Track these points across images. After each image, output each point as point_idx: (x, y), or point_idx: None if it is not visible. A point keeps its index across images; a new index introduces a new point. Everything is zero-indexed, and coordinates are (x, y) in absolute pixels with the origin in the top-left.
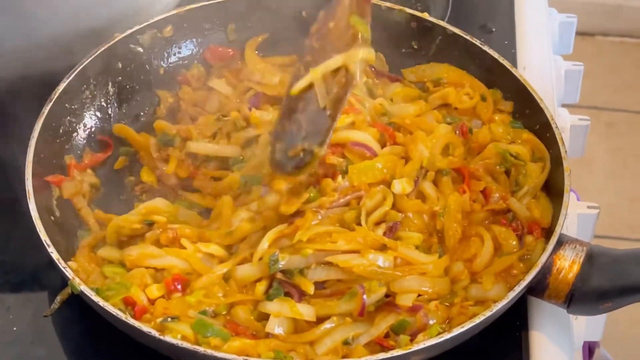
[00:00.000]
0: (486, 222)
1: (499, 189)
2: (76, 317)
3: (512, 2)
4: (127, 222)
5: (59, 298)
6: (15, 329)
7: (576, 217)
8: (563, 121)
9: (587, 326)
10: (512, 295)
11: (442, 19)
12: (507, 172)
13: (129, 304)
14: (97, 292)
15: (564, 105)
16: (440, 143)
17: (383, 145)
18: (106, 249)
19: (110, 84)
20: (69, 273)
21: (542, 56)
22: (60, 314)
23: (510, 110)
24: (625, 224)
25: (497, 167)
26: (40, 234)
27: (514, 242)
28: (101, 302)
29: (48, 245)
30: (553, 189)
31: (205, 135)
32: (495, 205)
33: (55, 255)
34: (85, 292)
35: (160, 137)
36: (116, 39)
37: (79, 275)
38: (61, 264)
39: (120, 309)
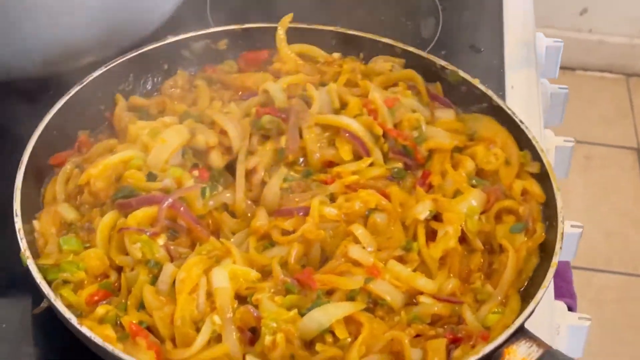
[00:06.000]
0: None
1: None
2: None
3: (501, 23)
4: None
5: None
6: (4, 326)
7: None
8: (548, 143)
9: None
10: None
11: (432, 39)
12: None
13: None
14: (45, 271)
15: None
16: (476, 212)
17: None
18: (64, 207)
19: (150, 81)
20: (22, 245)
21: (530, 77)
22: (49, 311)
23: (537, 171)
24: (603, 256)
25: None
26: (14, 203)
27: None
28: (46, 290)
29: (16, 215)
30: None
31: (176, 111)
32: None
33: (18, 225)
34: (31, 268)
35: (138, 112)
36: (168, 41)
37: (39, 240)
38: (20, 234)
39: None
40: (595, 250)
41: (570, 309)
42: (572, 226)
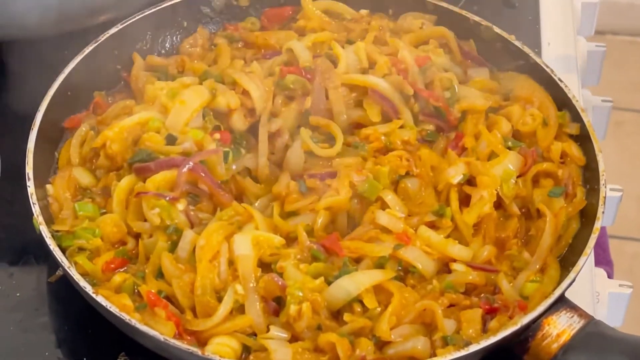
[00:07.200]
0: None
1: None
2: None
3: None
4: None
5: None
6: (18, 294)
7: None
8: (585, 103)
9: None
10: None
11: None
12: None
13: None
14: (59, 238)
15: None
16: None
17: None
18: (78, 171)
19: (168, 39)
20: (35, 210)
21: (567, 33)
22: (65, 280)
23: (577, 132)
24: (634, 224)
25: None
26: (27, 166)
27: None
28: (59, 257)
29: (29, 179)
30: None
31: (196, 71)
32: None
33: (31, 189)
34: (44, 234)
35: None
36: None
37: (53, 205)
38: (33, 199)
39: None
40: (627, 219)
41: (607, 276)
42: (611, 190)
